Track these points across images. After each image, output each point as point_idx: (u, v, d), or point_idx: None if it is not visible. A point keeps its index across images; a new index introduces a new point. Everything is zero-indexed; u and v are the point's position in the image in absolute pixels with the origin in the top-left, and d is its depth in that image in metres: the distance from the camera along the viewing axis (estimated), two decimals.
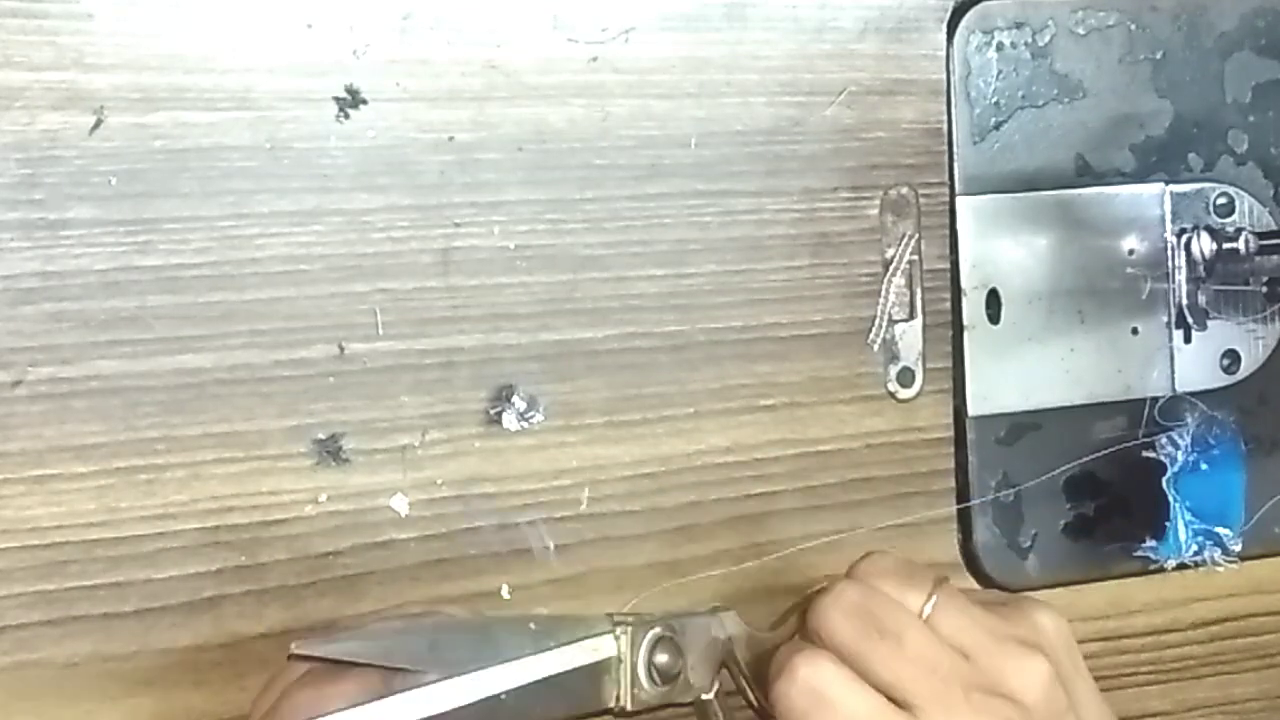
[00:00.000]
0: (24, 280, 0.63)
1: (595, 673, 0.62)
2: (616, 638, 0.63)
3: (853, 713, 0.60)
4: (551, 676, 0.61)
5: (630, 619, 0.64)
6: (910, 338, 0.76)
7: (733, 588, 0.73)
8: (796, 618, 0.64)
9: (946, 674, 0.61)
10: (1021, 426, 0.78)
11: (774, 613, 0.74)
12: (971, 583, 0.77)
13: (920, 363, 0.76)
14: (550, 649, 0.61)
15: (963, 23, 0.76)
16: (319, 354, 0.67)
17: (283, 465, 0.67)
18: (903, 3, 0.74)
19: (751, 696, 0.65)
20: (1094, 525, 0.80)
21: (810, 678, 0.60)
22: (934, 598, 0.62)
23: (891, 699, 0.61)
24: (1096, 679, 0.66)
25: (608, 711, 0.63)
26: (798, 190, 0.73)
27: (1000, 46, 0.77)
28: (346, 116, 0.67)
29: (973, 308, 0.77)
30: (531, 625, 0.62)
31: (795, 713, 0.61)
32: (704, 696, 0.65)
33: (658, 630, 0.63)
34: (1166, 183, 0.80)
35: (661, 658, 0.63)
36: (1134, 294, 0.79)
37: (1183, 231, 0.80)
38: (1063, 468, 0.79)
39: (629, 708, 0.63)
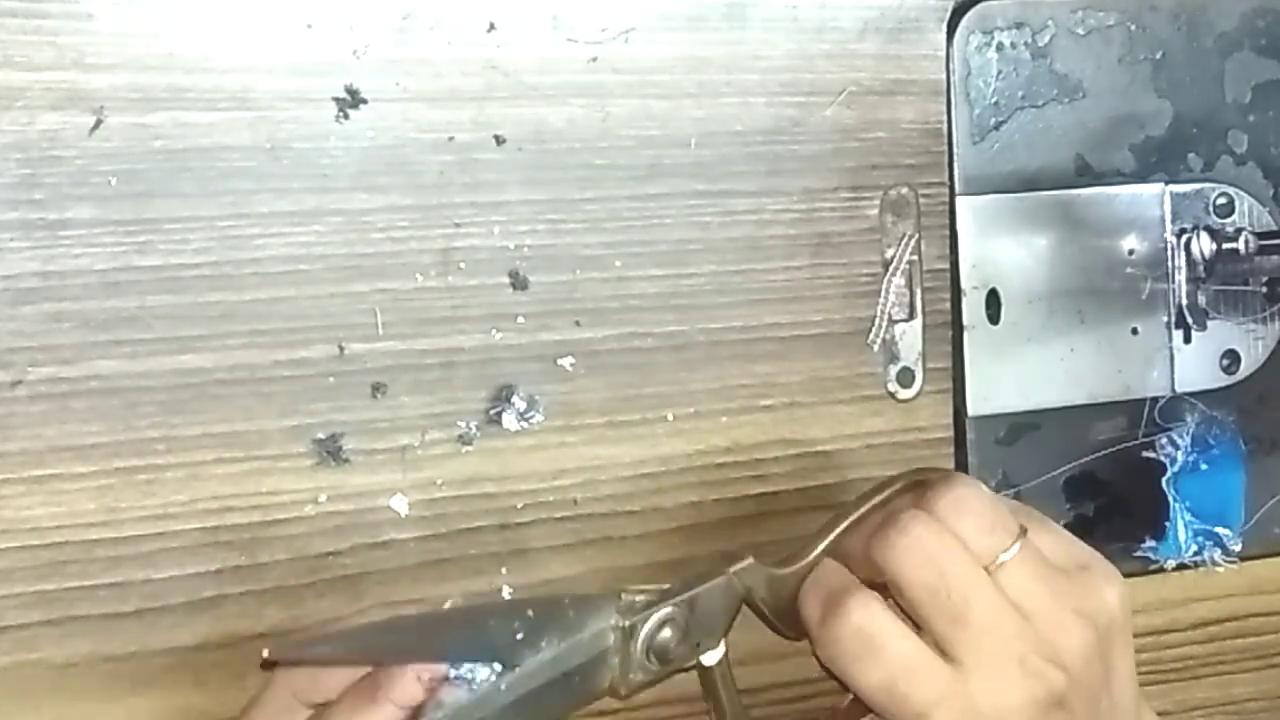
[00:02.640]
0: (24, 280, 0.63)
1: (591, 664, 0.61)
2: (617, 628, 0.61)
3: (903, 663, 0.60)
4: (545, 680, 0.60)
5: (639, 598, 0.62)
6: (910, 338, 0.76)
7: None
8: (829, 543, 0.63)
9: (1006, 636, 0.60)
10: (1021, 426, 0.78)
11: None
12: None
13: (920, 363, 0.76)
14: (543, 649, 0.59)
15: (963, 23, 0.76)
16: (319, 354, 0.67)
17: (283, 465, 0.67)
18: (903, 3, 0.74)
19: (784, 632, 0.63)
20: (1094, 525, 0.80)
21: (864, 621, 0.60)
22: (1012, 549, 0.61)
23: (942, 648, 0.60)
24: None
25: (602, 695, 0.62)
26: (798, 190, 0.73)
27: (1000, 46, 0.77)
28: (346, 116, 0.67)
29: (973, 308, 0.77)
30: (529, 612, 0.60)
31: (844, 655, 0.60)
32: (706, 663, 0.63)
33: (666, 612, 0.62)
34: (1166, 183, 0.80)
35: (664, 635, 0.62)
36: (1134, 294, 0.79)
37: (1183, 231, 0.80)
38: (1063, 468, 0.79)
39: (623, 692, 0.62)
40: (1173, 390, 0.80)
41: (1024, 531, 0.62)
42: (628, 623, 0.61)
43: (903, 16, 0.74)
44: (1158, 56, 0.79)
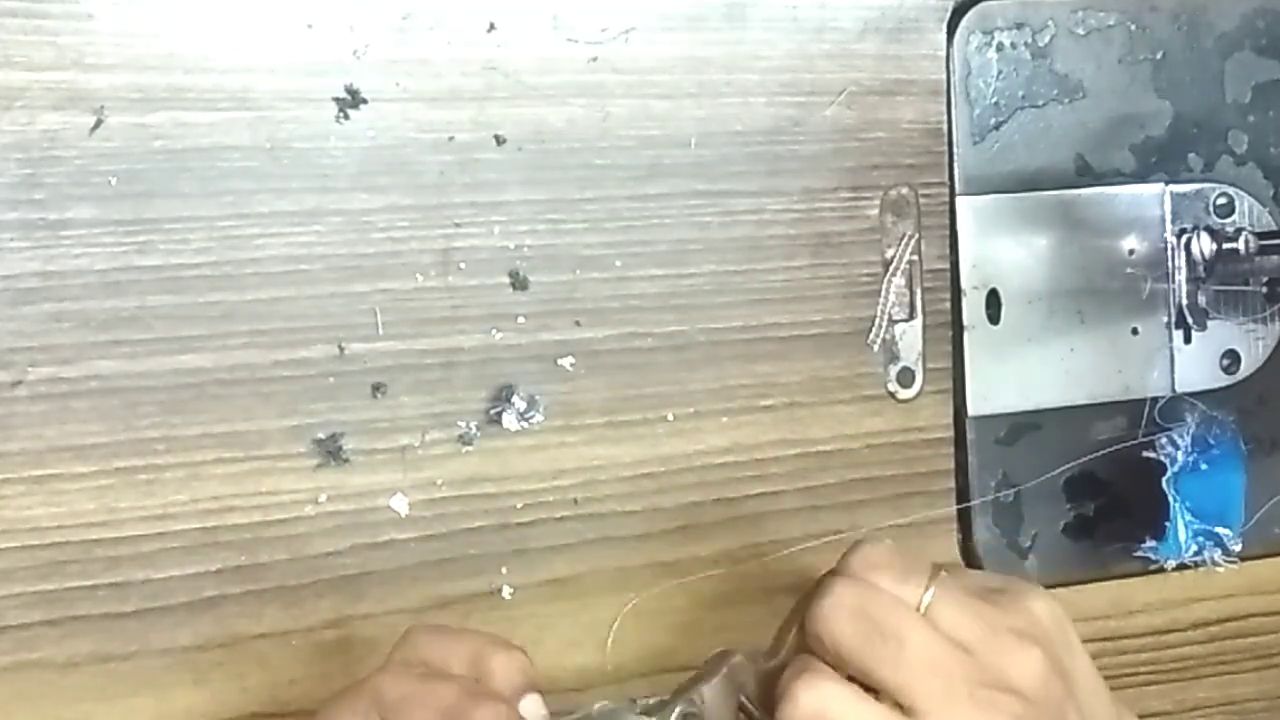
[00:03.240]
0: (24, 280, 0.63)
1: None
2: None
3: None
4: None
5: (652, 701, 0.62)
6: (910, 338, 0.76)
7: (733, 588, 0.74)
8: (795, 634, 0.63)
9: (950, 672, 0.60)
10: (1021, 426, 0.78)
11: (774, 613, 0.74)
12: None
13: (920, 363, 0.76)
14: None
15: (963, 23, 0.76)
16: (319, 354, 0.67)
17: (283, 465, 0.67)
18: (903, 3, 0.74)
19: None
20: (1094, 525, 0.80)
21: (812, 702, 0.60)
22: (931, 589, 0.61)
23: (896, 702, 0.60)
24: None
25: None
26: (798, 190, 0.73)
27: (1000, 46, 0.77)
28: (346, 116, 0.67)
29: (973, 308, 0.77)
30: None
31: None
32: None
33: (683, 709, 0.62)
34: (1166, 183, 0.80)
35: None
36: (1134, 294, 0.79)
37: (1183, 231, 0.80)
38: (1063, 468, 0.79)
39: None
40: (1173, 390, 0.80)
41: (938, 571, 0.62)
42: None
43: (903, 16, 0.74)
44: (1158, 56, 0.79)
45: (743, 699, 0.63)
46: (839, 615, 0.61)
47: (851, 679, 0.61)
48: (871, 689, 0.61)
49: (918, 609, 0.61)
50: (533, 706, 0.61)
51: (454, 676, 0.60)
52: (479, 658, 0.61)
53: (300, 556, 0.68)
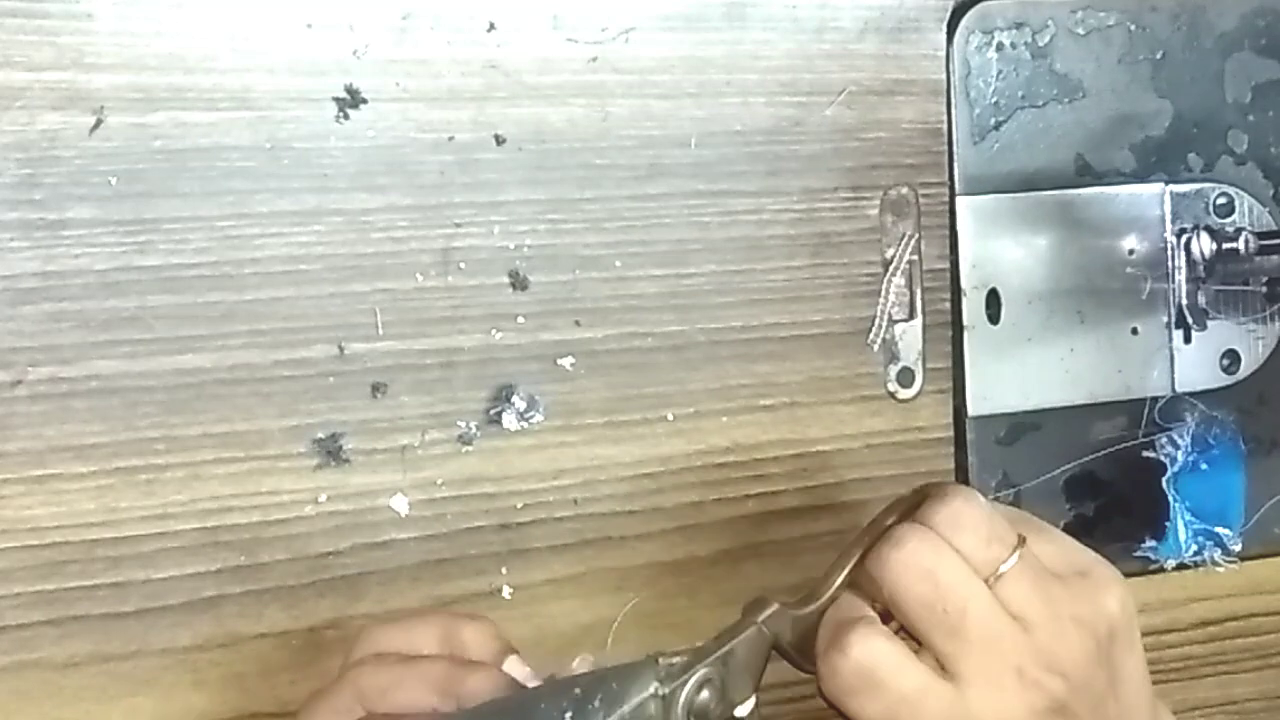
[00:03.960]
0: (24, 280, 0.63)
1: None
2: (657, 696, 0.60)
3: (903, 693, 0.59)
4: None
5: (675, 660, 0.61)
6: (910, 338, 0.76)
7: (733, 588, 0.73)
8: (844, 579, 0.63)
9: (1003, 649, 0.60)
10: (1021, 426, 0.78)
11: None
12: None
13: (920, 363, 0.76)
14: None
15: (963, 23, 0.76)
16: (319, 354, 0.67)
17: (283, 465, 0.67)
18: (903, 3, 0.74)
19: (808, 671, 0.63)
20: (1094, 525, 0.80)
21: (863, 657, 0.59)
22: (1010, 560, 0.60)
23: (942, 665, 0.60)
24: None
25: None
26: (798, 190, 0.73)
27: (1000, 46, 0.77)
28: (346, 116, 0.67)
29: (973, 308, 0.77)
30: (576, 690, 0.60)
31: (846, 690, 0.60)
32: (739, 714, 0.62)
33: (703, 674, 0.61)
34: (1166, 183, 0.80)
35: (703, 697, 0.61)
36: (1134, 294, 0.79)
37: (1183, 231, 0.80)
38: (1063, 468, 0.79)
39: None
40: (1173, 390, 0.80)
41: (1023, 541, 0.61)
42: (667, 690, 0.61)
43: (903, 16, 0.74)
44: (1158, 56, 0.79)
45: (781, 645, 0.63)
46: (907, 571, 0.60)
47: (900, 627, 0.61)
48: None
49: (990, 576, 0.60)
50: (516, 666, 0.61)
51: (433, 655, 0.61)
52: (448, 634, 0.62)
53: (300, 556, 0.68)
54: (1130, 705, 0.63)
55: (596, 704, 0.59)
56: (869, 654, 0.60)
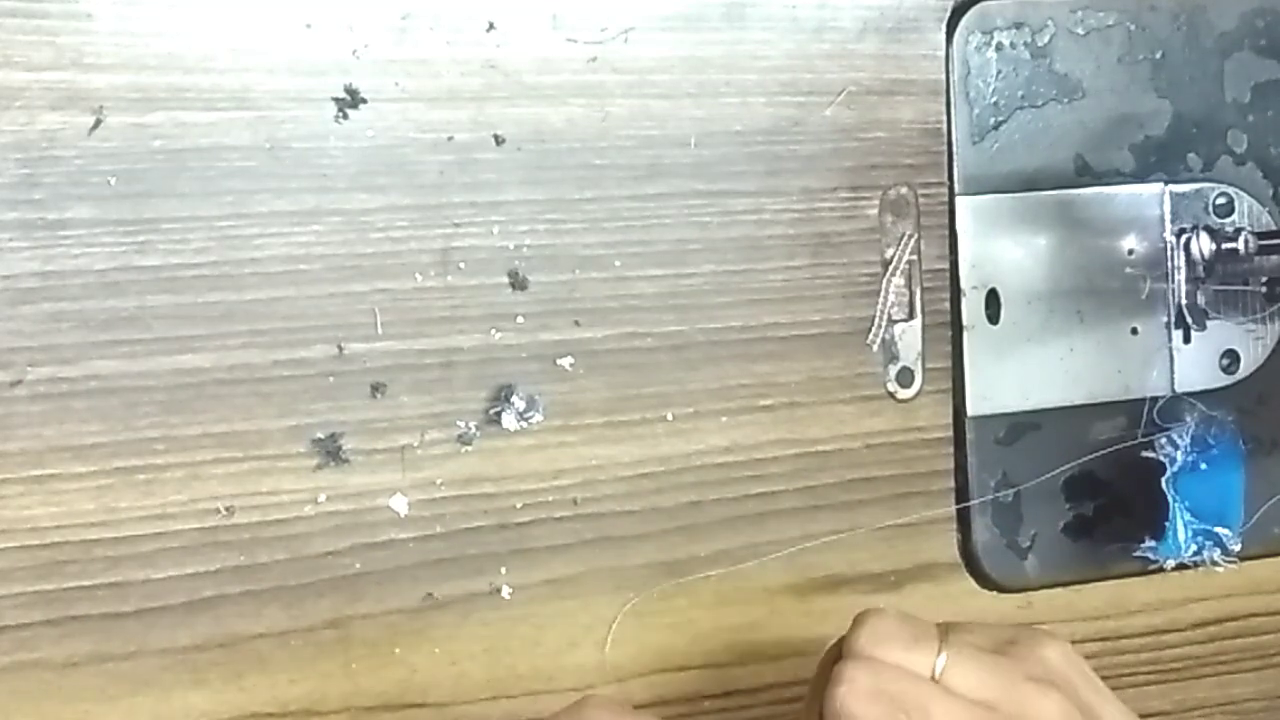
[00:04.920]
0: (23, 280, 0.63)
1: None
2: None
3: None
4: None
5: None
6: (910, 338, 0.76)
7: (733, 588, 0.74)
8: None
9: None
10: (1021, 426, 0.78)
11: (774, 613, 0.74)
12: (971, 583, 0.77)
13: (920, 363, 0.76)
14: None
15: (962, 23, 0.76)
16: (319, 354, 0.67)
17: (282, 465, 0.67)
18: (902, 3, 0.74)
19: None
20: (1093, 525, 0.80)
21: None
22: (943, 654, 0.60)
23: None
24: None
25: None
26: (797, 190, 0.73)
27: (1000, 46, 0.77)
28: (346, 116, 0.67)
29: (972, 308, 0.77)
30: None
31: None
32: None
33: None
34: (1166, 183, 0.80)
35: None
36: (1134, 294, 0.79)
37: (1182, 231, 0.80)
38: (1062, 468, 0.79)
39: None
40: (1172, 390, 0.80)
41: (946, 633, 0.61)
42: None
43: (902, 16, 0.74)
44: (1158, 56, 0.79)
45: None
46: (857, 701, 0.59)
47: None
48: None
49: (932, 676, 0.60)
50: None
51: None
52: None
53: (299, 556, 0.68)
54: None
55: None
56: None
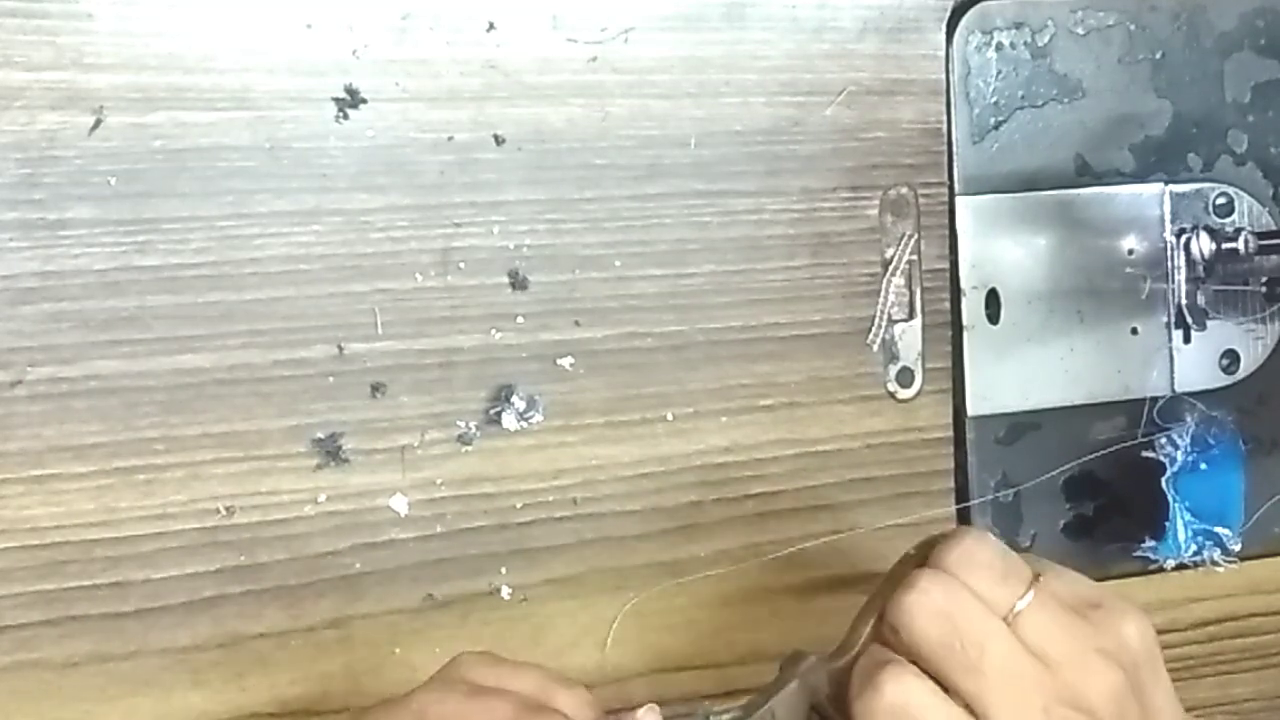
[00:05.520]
0: (24, 280, 0.63)
1: None
2: None
3: None
4: None
5: (727, 717, 0.60)
6: (910, 338, 0.76)
7: (733, 588, 0.74)
8: (872, 627, 0.62)
9: (1027, 686, 0.59)
10: (1021, 426, 0.78)
11: (774, 613, 0.74)
12: None
13: (920, 363, 0.76)
14: None
15: (962, 23, 0.76)
16: (319, 354, 0.67)
17: (282, 465, 0.67)
18: (902, 3, 0.74)
19: None
20: (1093, 525, 0.80)
21: (896, 695, 0.59)
22: (1027, 596, 0.60)
23: (968, 707, 0.59)
24: None
25: None
26: (797, 190, 0.73)
27: (1000, 46, 0.77)
28: (346, 116, 0.67)
29: (972, 308, 0.77)
30: None
31: None
32: None
33: None
34: (1166, 183, 0.80)
35: None
36: (1134, 294, 0.79)
37: (1182, 231, 0.80)
38: (1062, 468, 0.79)
39: None
40: (1172, 390, 0.80)
41: (1037, 577, 0.60)
42: None
43: (902, 16, 0.74)
44: (1158, 56, 0.79)
45: (817, 699, 0.62)
46: (922, 614, 0.59)
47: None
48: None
49: (1008, 614, 0.59)
50: None
51: (507, 692, 0.59)
52: (542, 688, 0.60)
53: (300, 556, 0.68)
54: None
55: None
56: (901, 691, 0.59)
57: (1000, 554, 0.61)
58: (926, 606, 0.59)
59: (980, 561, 0.60)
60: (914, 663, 0.60)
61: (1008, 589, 0.60)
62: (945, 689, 0.59)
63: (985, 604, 0.59)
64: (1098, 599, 0.62)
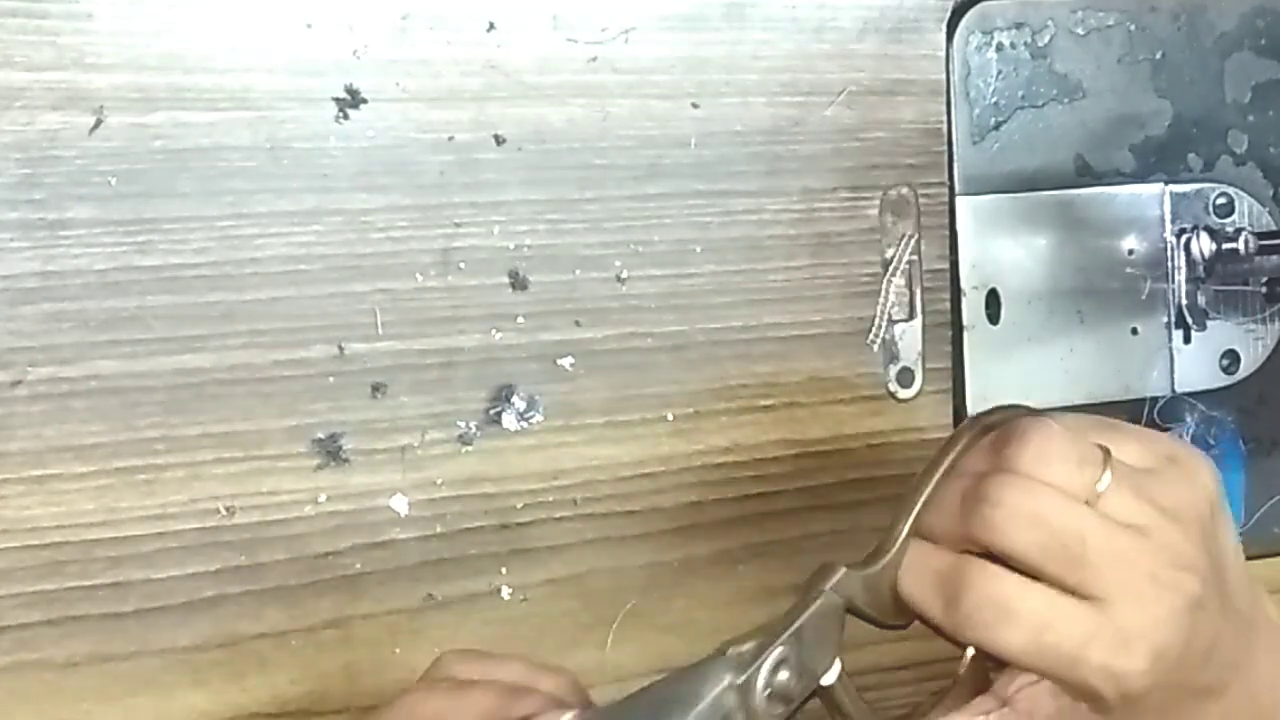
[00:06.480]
0: (24, 280, 0.63)
1: None
2: (733, 687, 0.58)
3: (1041, 617, 0.58)
4: None
5: (746, 647, 0.59)
6: (910, 338, 0.76)
7: (733, 587, 0.74)
8: (908, 529, 0.61)
9: (1131, 562, 0.58)
10: None
11: (774, 613, 0.74)
12: None
13: (920, 363, 0.76)
14: None
15: (962, 23, 0.76)
16: (319, 354, 0.67)
17: (283, 465, 0.67)
18: (903, 3, 0.74)
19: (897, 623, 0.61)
20: None
21: (992, 591, 0.58)
22: (1105, 477, 0.59)
23: (1075, 591, 0.58)
24: None
25: None
26: (798, 190, 0.73)
27: (1000, 47, 0.77)
28: (346, 116, 0.67)
29: (972, 308, 0.77)
30: (651, 698, 0.57)
31: (982, 628, 0.58)
32: (824, 683, 0.60)
33: (778, 654, 0.59)
34: (1166, 183, 0.80)
35: (781, 677, 0.59)
36: (1134, 294, 0.79)
37: (1182, 231, 0.80)
38: None
39: None
40: (1172, 390, 0.80)
41: (1108, 453, 0.60)
42: (742, 678, 0.58)
43: (902, 16, 0.74)
44: (1158, 56, 0.79)
45: (856, 609, 0.61)
46: (1015, 523, 0.58)
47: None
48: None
49: (1092, 499, 0.59)
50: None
51: (491, 682, 0.59)
52: (525, 676, 0.60)
53: (300, 556, 0.68)
54: (1235, 580, 0.63)
55: (673, 709, 0.57)
56: (996, 586, 0.58)
57: (1069, 440, 0.60)
58: (1018, 517, 0.58)
59: (1054, 454, 0.59)
60: (1013, 566, 0.59)
61: (1086, 474, 0.59)
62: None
63: (1071, 496, 0.59)
64: (1169, 452, 0.62)
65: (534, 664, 0.61)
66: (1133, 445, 0.62)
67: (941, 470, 0.62)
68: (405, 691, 0.60)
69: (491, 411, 0.70)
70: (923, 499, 0.61)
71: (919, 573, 0.60)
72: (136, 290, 0.65)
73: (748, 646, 0.59)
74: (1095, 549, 0.58)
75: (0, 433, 0.63)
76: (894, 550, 0.61)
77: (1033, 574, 0.59)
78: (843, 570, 0.61)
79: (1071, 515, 0.59)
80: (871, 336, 0.75)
